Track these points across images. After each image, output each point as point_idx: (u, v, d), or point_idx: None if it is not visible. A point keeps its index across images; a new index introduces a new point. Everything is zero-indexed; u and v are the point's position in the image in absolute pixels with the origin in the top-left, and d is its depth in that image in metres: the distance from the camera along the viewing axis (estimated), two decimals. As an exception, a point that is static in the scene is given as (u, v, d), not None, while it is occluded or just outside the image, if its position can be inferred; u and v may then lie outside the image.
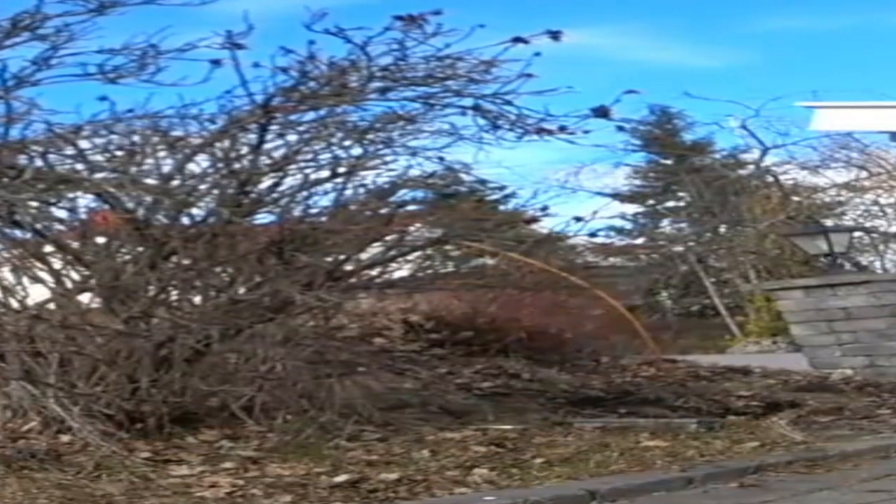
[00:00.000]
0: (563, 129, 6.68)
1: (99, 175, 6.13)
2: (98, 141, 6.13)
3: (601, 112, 6.57)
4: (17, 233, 6.25)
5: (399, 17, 6.29)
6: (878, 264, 29.95)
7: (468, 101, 6.71)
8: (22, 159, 6.05)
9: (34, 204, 6.05)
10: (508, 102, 6.62)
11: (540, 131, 6.69)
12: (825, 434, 7.16)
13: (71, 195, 6.19)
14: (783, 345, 22.48)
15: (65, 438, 5.62)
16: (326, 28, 6.22)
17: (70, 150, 6.10)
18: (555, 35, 6.43)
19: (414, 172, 7.02)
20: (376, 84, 6.52)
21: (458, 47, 6.45)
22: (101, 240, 6.38)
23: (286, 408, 6.31)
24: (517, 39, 6.38)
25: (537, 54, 6.42)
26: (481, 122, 6.74)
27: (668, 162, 35.11)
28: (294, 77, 6.39)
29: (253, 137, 6.46)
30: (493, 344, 10.07)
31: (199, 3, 6.15)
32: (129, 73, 5.94)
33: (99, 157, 6.17)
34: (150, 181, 6.20)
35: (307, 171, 6.66)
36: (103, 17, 5.96)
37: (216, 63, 6.08)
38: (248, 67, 6.27)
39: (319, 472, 5.31)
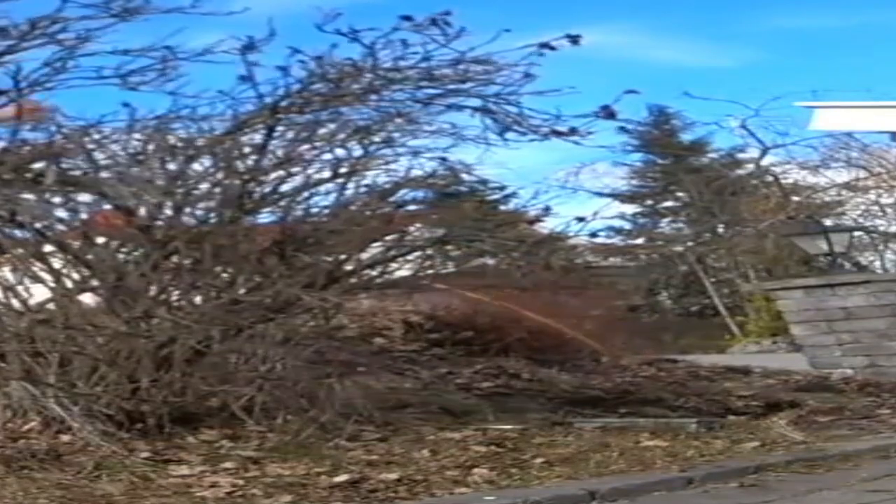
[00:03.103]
0: (573, 130, 6.67)
1: (106, 175, 6.12)
2: (112, 144, 6.13)
3: (607, 113, 6.56)
4: (17, 232, 6.25)
5: (406, 18, 6.28)
6: (878, 264, 29.93)
7: (475, 102, 6.72)
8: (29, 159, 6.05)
9: (36, 204, 6.04)
10: (515, 104, 6.62)
11: (549, 133, 6.68)
12: (825, 434, 7.16)
13: (76, 196, 6.18)
14: (783, 345, 22.43)
15: (65, 438, 5.62)
16: (337, 29, 6.22)
17: (86, 154, 6.08)
18: (574, 39, 6.43)
19: (416, 172, 7.03)
20: (383, 84, 6.52)
21: (466, 49, 6.46)
22: (101, 240, 6.38)
23: (286, 408, 6.31)
24: (544, 45, 6.38)
25: (541, 55, 6.42)
26: (488, 122, 6.75)
27: (667, 162, 35.10)
28: (302, 78, 6.39)
29: (257, 137, 6.46)
30: (493, 344, 10.07)
31: (226, 13, 6.15)
32: (149, 80, 5.94)
33: (112, 161, 6.16)
34: (158, 182, 6.19)
35: (309, 171, 6.67)
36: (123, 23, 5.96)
37: (244, 79, 6.10)
38: (257, 68, 6.28)
39: (319, 472, 5.31)
